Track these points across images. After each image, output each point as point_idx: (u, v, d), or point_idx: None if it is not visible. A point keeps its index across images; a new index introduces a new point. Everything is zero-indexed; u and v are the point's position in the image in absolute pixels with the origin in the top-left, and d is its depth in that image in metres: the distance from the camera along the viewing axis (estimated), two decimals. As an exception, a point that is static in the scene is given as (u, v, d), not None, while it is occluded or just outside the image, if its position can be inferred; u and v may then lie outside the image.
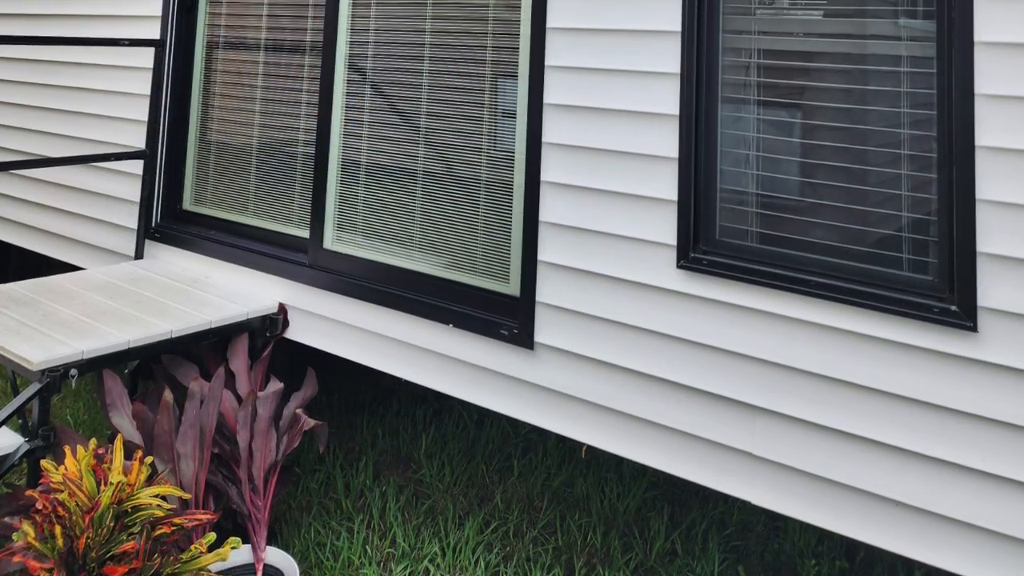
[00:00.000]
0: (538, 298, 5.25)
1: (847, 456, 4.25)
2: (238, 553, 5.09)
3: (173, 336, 5.79)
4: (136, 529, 4.13)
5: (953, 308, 4.01)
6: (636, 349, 4.88)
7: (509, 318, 5.35)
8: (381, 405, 7.69)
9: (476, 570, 5.58)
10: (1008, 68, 3.93)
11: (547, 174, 5.26)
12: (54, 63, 8.35)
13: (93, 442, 4.46)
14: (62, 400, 7.51)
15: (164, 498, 4.36)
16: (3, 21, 9.04)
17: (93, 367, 5.49)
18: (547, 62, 5.29)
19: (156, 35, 7.46)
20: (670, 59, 4.82)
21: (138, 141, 7.45)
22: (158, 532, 4.16)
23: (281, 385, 5.78)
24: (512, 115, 5.51)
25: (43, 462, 4.31)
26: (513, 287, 5.43)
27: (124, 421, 5.44)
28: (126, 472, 4.30)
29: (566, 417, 5.13)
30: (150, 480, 4.51)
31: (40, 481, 4.40)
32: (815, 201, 4.50)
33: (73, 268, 7.78)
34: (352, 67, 6.26)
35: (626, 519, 6.21)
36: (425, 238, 5.88)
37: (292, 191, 6.74)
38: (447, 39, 5.86)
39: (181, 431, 5.37)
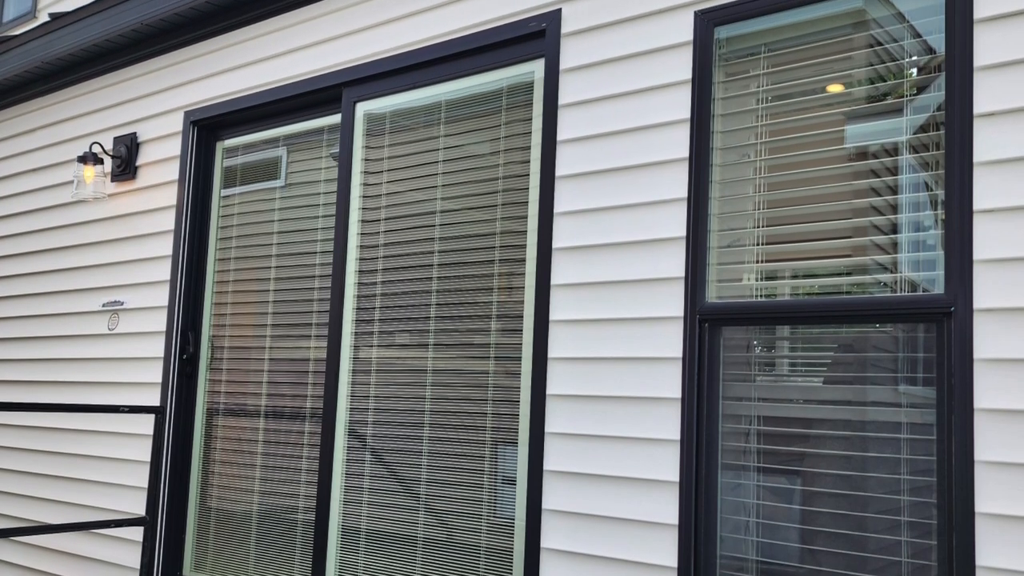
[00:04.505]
0: (541, 665, 5.15)
1: None
2: None
3: None
4: None
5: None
6: None
7: None
8: None
9: None
10: (1008, 435, 3.95)
11: (547, 540, 5.22)
12: (54, 430, 8.40)
13: None
14: None
15: None
16: (3, 387, 9.13)
17: None
18: (547, 429, 5.32)
19: (156, 401, 7.53)
20: (670, 426, 4.85)
21: (138, 507, 7.43)
22: None
23: None
24: (512, 481, 5.51)
25: None
26: (516, 655, 5.33)
27: None
28: None
29: None
30: None
31: None
32: (815, 567, 4.45)
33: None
34: (352, 433, 6.29)
35: None
36: (426, 606, 5.81)
37: (293, 557, 6.68)
38: (447, 407, 5.90)
39: None
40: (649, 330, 5.02)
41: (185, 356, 7.57)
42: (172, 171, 7.85)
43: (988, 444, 3.99)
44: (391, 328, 6.27)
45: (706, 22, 5.02)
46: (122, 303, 8.05)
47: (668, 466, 4.84)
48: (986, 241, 4.09)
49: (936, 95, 4.36)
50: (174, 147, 7.88)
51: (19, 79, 9.31)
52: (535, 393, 5.40)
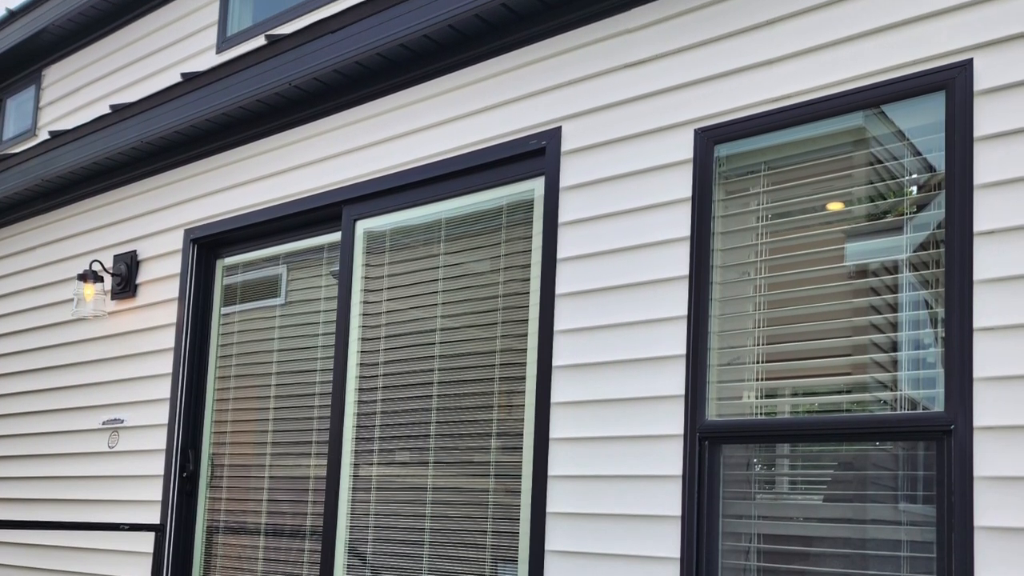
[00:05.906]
0: None
1: None
2: None
3: None
4: None
5: None
6: None
7: None
8: None
9: None
10: (1008, 553, 3.95)
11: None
12: (54, 547, 8.36)
13: None
14: None
15: None
16: (3, 505, 9.09)
17: None
18: (547, 547, 5.31)
19: (156, 519, 7.50)
20: (671, 544, 4.85)
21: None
22: None
23: None
24: (513, 599, 5.51)
25: None
26: None
27: None
28: None
29: None
30: None
31: None
32: None
33: None
34: (352, 551, 6.27)
35: None
36: None
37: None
38: (447, 524, 5.90)
39: None
40: (649, 448, 5.03)
41: (185, 474, 7.55)
42: (172, 289, 7.89)
43: (988, 562, 3.99)
44: (391, 446, 6.27)
45: (706, 140, 5.08)
46: (122, 421, 8.05)
47: (669, 580, 4.84)
48: (986, 359, 4.11)
49: (936, 213, 4.38)
50: (174, 265, 7.92)
51: (19, 197, 9.39)
52: (535, 511, 5.40)
